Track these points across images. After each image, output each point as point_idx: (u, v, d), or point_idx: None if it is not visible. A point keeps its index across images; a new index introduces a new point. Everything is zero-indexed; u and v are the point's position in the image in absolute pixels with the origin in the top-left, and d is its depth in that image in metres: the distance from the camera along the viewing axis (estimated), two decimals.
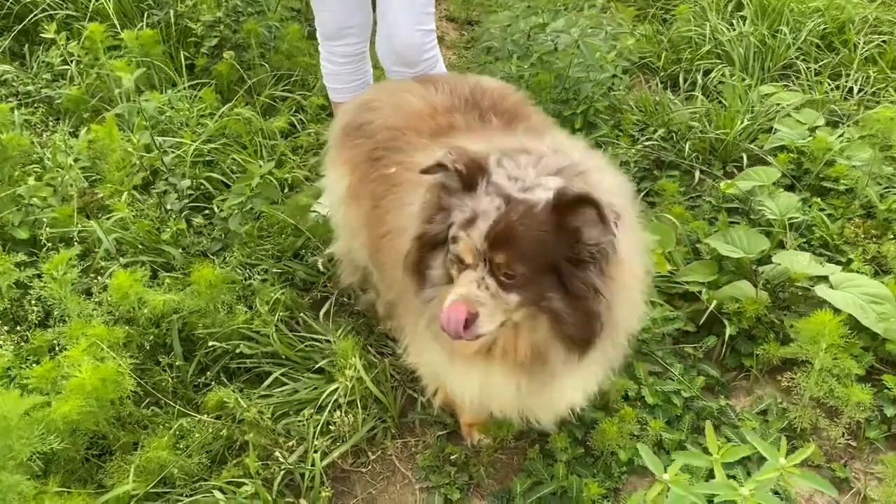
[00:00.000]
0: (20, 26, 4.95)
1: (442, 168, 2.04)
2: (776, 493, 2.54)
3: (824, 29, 5.34)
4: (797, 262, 3.19)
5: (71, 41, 4.60)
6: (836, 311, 2.88)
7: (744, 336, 3.18)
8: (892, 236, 3.57)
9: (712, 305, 3.11)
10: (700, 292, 3.24)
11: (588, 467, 2.72)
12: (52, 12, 4.97)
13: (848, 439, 2.84)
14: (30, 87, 4.50)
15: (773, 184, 3.70)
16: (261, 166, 3.35)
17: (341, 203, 2.95)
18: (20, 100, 4.41)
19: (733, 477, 2.34)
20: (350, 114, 2.97)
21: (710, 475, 2.44)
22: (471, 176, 2.01)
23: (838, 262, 3.48)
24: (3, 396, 2.32)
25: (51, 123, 4.27)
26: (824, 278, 3.18)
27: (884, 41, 5.24)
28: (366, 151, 2.74)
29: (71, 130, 4.14)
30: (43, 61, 4.76)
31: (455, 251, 2.01)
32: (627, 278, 2.11)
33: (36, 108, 4.34)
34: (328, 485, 2.67)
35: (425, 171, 2.08)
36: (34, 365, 2.65)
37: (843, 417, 2.83)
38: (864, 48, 5.12)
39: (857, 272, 3.29)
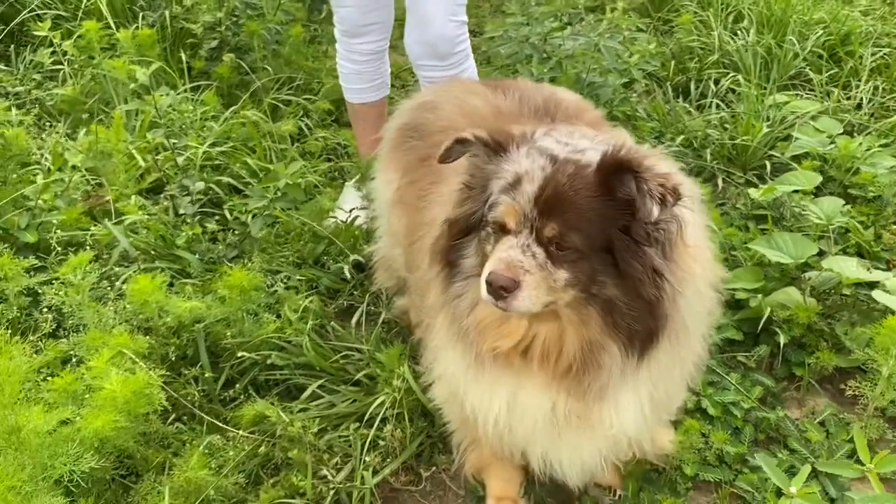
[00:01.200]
0: (7, 28, 4.71)
1: (462, 144, 1.82)
2: None
3: (826, 41, 5.31)
4: (847, 267, 3.08)
5: (63, 41, 4.35)
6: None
7: (793, 344, 3.05)
8: None
9: (767, 313, 2.98)
10: (748, 300, 3.10)
11: (653, 483, 2.55)
12: (40, 12, 4.73)
13: None
14: (19, 88, 4.25)
15: (797, 191, 3.61)
16: (289, 164, 3.14)
17: (388, 208, 2.72)
18: (11, 101, 4.15)
19: None
20: (408, 113, 2.75)
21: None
22: (500, 142, 1.79)
23: (878, 269, 3.37)
24: (27, 411, 2.09)
25: (46, 125, 4.02)
26: (872, 284, 3.07)
27: (886, 53, 5.22)
28: (419, 154, 2.49)
29: (68, 132, 3.90)
30: (31, 62, 4.51)
31: (495, 217, 1.74)
32: (696, 268, 1.83)
33: (29, 109, 4.09)
34: None
35: (443, 159, 1.86)
36: (49, 378, 2.41)
37: None
38: (870, 59, 5.09)
39: None
